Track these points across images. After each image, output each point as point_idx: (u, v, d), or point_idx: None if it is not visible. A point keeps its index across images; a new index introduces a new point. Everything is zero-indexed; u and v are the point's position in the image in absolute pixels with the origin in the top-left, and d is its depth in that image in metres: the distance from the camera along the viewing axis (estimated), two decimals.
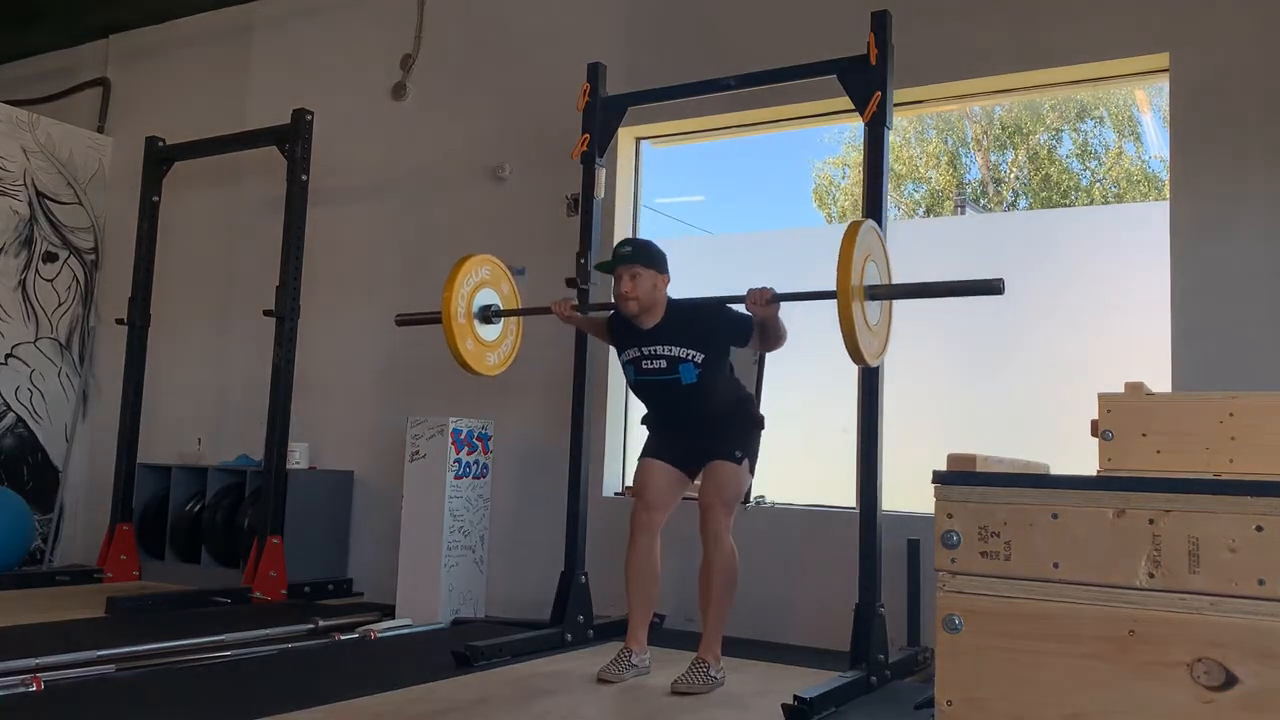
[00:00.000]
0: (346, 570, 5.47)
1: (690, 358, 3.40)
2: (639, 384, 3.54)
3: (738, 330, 3.46)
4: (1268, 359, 3.62)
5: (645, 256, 3.47)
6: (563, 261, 4.54)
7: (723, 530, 3.37)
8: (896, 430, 3.94)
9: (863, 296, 3.13)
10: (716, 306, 3.53)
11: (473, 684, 3.36)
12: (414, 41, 5.72)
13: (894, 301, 3.42)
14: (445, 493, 4.63)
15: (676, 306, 3.52)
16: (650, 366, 3.46)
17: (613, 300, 3.64)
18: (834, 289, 3.05)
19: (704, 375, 3.41)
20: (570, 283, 4.35)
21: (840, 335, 3.06)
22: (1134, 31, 4.00)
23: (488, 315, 4.07)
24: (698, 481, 3.51)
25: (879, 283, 3.27)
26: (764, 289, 3.33)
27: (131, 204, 6.11)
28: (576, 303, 3.87)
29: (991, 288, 3.16)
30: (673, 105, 4.53)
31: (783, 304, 3.37)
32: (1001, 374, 4.35)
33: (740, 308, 3.42)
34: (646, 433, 3.65)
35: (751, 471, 3.53)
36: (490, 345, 4.10)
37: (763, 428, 3.59)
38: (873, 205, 3.75)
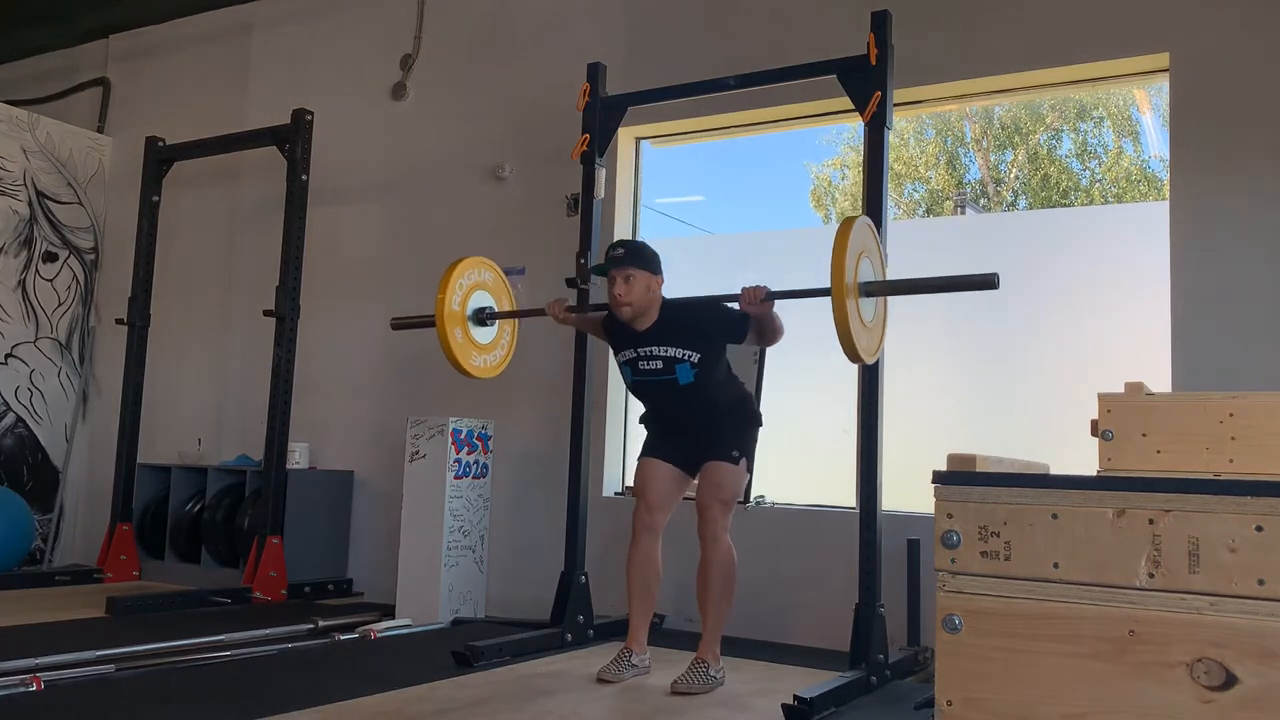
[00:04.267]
0: (346, 570, 5.47)
1: (686, 358, 3.40)
2: (636, 384, 3.54)
3: (733, 328, 3.46)
4: (1268, 359, 3.62)
5: (638, 258, 3.45)
6: (563, 261, 4.54)
7: (721, 530, 3.37)
8: (896, 430, 3.95)
9: (857, 293, 3.13)
10: (711, 305, 3.53)
11: (473, 684, 3.36)
12: (414, 41, 5.72)
13: (890, 299, 3.42)
14: (445, 493, 4.64)
15: (671, 306, 3.51)
16: (647, 367, 3.46)
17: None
18: (828, 286, 3.05)
19: (701, 374, 3.41)
20: (570, 283, 4.35)
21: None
22: (1134, 31, 4.00)
23: (482, 317, 4.07)
24: (696, 482, 3.51)
25: (873, 279, 3.26)
26: (758, 287, 3.33)
27: (131, 204, 6.11)
28: (572, 304, 3.86)
29: (986, 282, 3.16)
30: (672, 105, 4.53)
31: (781, 301, 3.38)
32: (1001, 374, 4.35)
33: (735, 306, 3.42)
34: (645, 432, 3.65)
35: (749, 470, 3.53)
36: (485, 348, 4.09)
37: (760, 425, 3.59)
38: (872, 205, 3.75)
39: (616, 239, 3.45)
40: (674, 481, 3.53)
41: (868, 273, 3.22)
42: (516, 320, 4.26)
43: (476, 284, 4.08)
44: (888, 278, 3.39)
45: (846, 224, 3.15)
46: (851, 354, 3.12)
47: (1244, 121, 3.78)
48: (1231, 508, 1.38)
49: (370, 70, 5.81)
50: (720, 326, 3.46)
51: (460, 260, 4.04)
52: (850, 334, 3.05)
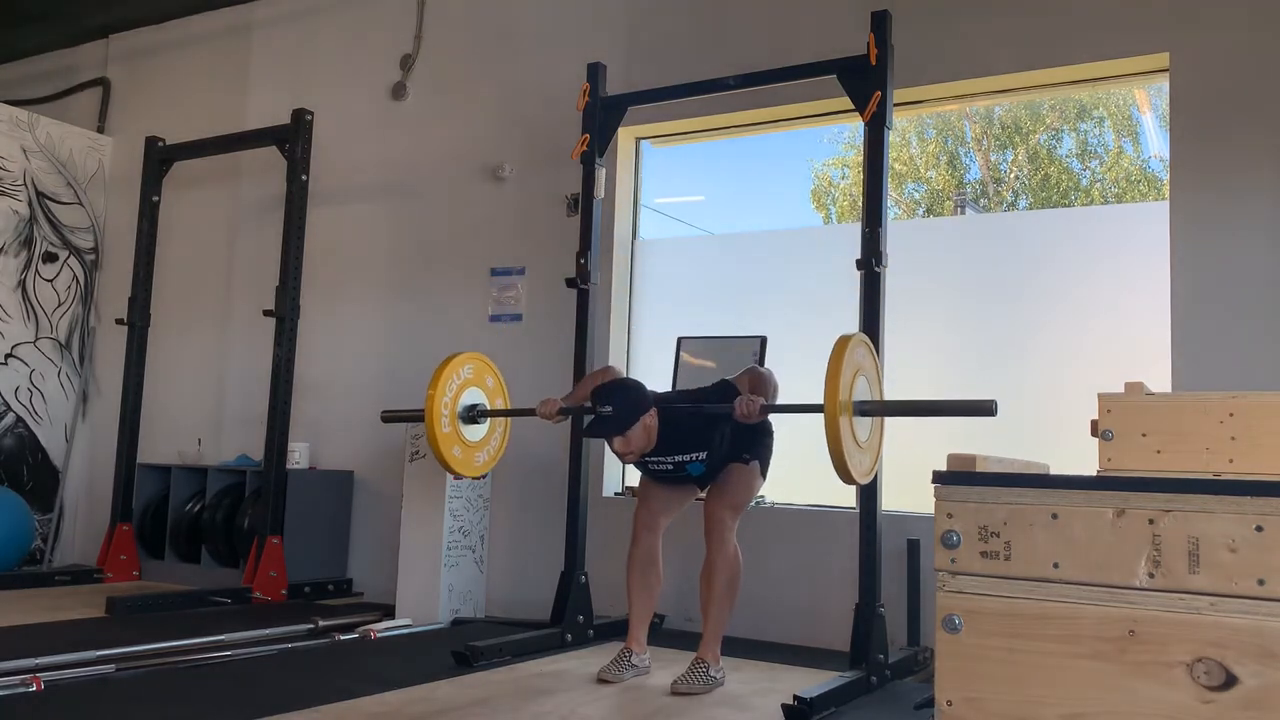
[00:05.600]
0: (346, 570, 5.47)
1: (695, 458, 3.42)
2: (650, 475, 3.56)
3: (728, 419, 3.35)
4: (1268, 359, 3.62)
5: (627, 412, 3.30)
6: (563, 261, 4.54)
7: (728, 532, 3.37)
8: (897, 430, 3.94)
9: (851, 413, 3.01)
10: (704, 414, 3.41)
11: (473, 684, 3.36)
12: (414, 41, 5.72)
13: (885, 416, 3.32)
14: (445, 493, 4.63)
15: (668, 420, 3.39)
16: (659, 469, 3.49)
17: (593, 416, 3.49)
18: (820, 403, 2.93)
19: (710, 464, 3.43)
20: (570, 283, 4.35)
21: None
22: (1134, 31, 4.00)
23: (473, 415, 3.99)
24: (703, 495, 3.51)
25: (869, 399, 3.14)
26: (752, 400, 3.23)
27: (131, 204, 6.11)
28: (561, 404, 3.73)
29: (983, 408, 3.02)
30: (673, 105, 4.53)
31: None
32: (1001, 374, 4.34)
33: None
34: None
35: (763, 475, 3.52)
36: (476, 445, 4.03)
37: (772, 435, 3.58)
38: (872, 205, 3.75)
39: (601, 389, 3.33)
40: (678, 490, 3.54)
41: (863, 391, 3.11)
42: (508, 419, 4.17)
43: (466, 382, 4.00)
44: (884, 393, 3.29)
45: (843, 343, 3.03)
46: (845, 477, 2.99)
47: (1244, 121, 3.78)
48: (1231, 508, 1.38)
49: (370, 70, 5.81)
50: (720, 416, 3.37)
51: (451, 358, 3.96)
52: (844, 456, 2.94)
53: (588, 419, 3.43)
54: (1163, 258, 3.86)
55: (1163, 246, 3.86)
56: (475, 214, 5.37)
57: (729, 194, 5.46)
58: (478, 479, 4.62)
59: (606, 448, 4.80)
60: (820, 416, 2.91)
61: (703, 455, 3.40)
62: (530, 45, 5.35)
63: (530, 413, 3.77)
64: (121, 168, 6.62)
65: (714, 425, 3.39)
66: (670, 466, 3.45)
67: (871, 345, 3.30)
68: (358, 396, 5.60)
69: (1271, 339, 3.64)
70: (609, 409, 3.32)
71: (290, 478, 5.28)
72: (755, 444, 3.49)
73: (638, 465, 3.53)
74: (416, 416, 3.98)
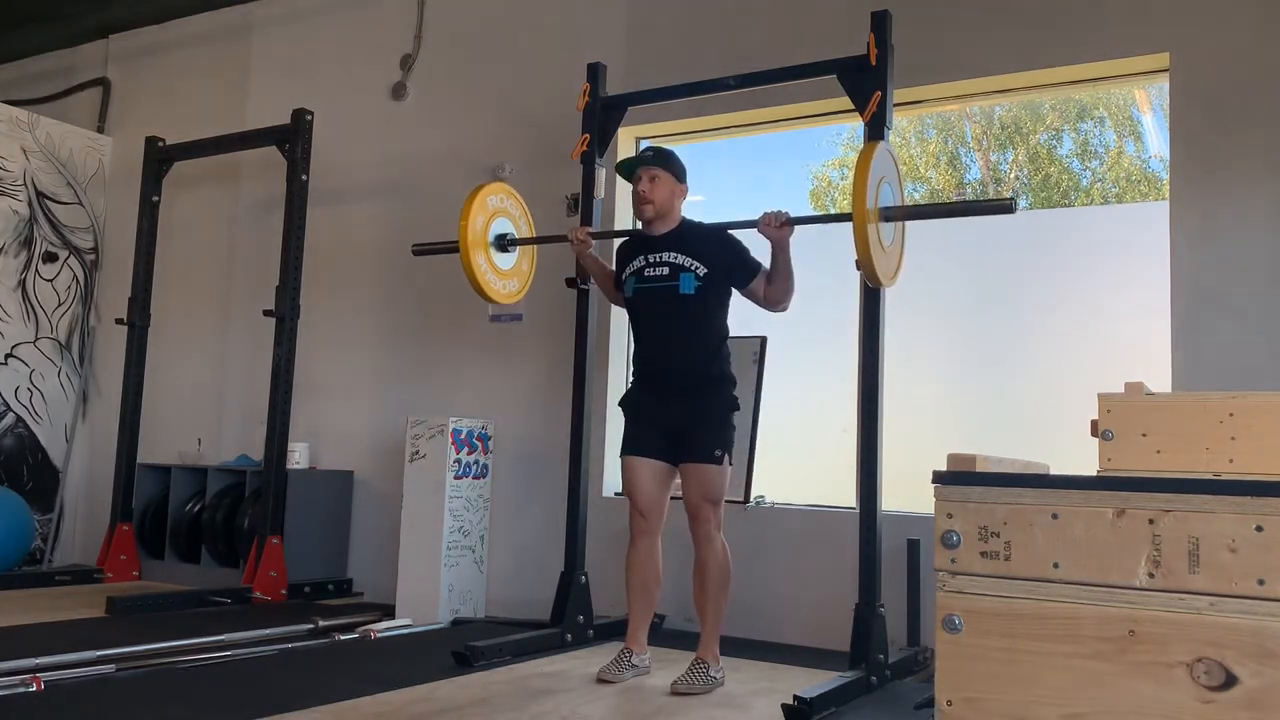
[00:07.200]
0: (346, 570, 5.47)
1: (693, 268, 3.43)
2: (637, 294, 3.52)
3: (745, 266, 3.49)
4: (1268, 359, 3.62)
5: (666, 162, 3.52)
6: (563, 261, 4.53)
7: (714, 530, 3.37)
8: (896, 430, 3.94)
9: (878, 219, 3.27)
10: (732, 237, 3.56)
11: (473, 684, 3.36)
12: (414, 41, 5.72)
13: (907, 229, 3.59)
14: (445, 493, 4.63)
15: (691, 223, 3.58)
16: (652, 274, 3.47)
17: (631, 207, 3.70)
18: (849, 212, 3.20)
19: (702, 291, 3.41)
20: (570, 283, 4.35)
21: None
22: (1134, 31, 4.00)
23: (503, 244, 4.17)
24: (680, 479, 3.49)
25: (893, 204, 3.42)
26: (778, 211, 3.39)
27: (131, 204, 6.11)
28: (592, 230, 3.92)
29: (1003, 207, 3.34)
30: (673, 105, 4.53)
31: (787, 296, 3.41)
32: (1002, 373, 4.35)
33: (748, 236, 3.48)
34: (623, 420, 3.60)
35: (732, 462, 3.50)
36: (506, 274, 4.20)
37: (738, 409, 3.53)
38: None
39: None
40: (660, 479, 3.48)
41: (888, 198, 3.37)
42: (535, 248, 4.39)
43: (498, 210, 4.18)
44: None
45: (868, 149, 3.30)
46: (872, 278, 3.31)
47: (1244, 121, 3.78)
48: (1231, 508, 1.38)
49: (370, 70, 5.81)
50: (735, 257, 3.49)
51: (483, 186, 4.15)
52: (872, 260, 3.22)
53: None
54: (1163, 258, 3.86)
55: (1163, 246, 3.86)
56: None
57: (729, 194, 5.46)
58: (512, 315, 4.69)
59: (606, 447, 4.82)
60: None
61: (701, 272, 3.42)
62: (530, 45, 5.35)
63: (562, 239, 3.98)
64: (121, 168, 6.62)
65: (725, 260, 3.47)
66: (666, 271, 3.43)
67: (893, 150, 3.59)
68: (358, 396, 5.60)
69: (1271, 339, 3.64)
70: (650, 153, 3.57)
71: (290, 478, 5.28)
72: (722, 431, 3.42)
73: (631, 279, 3.52)
74: (451, 248, 4.11)
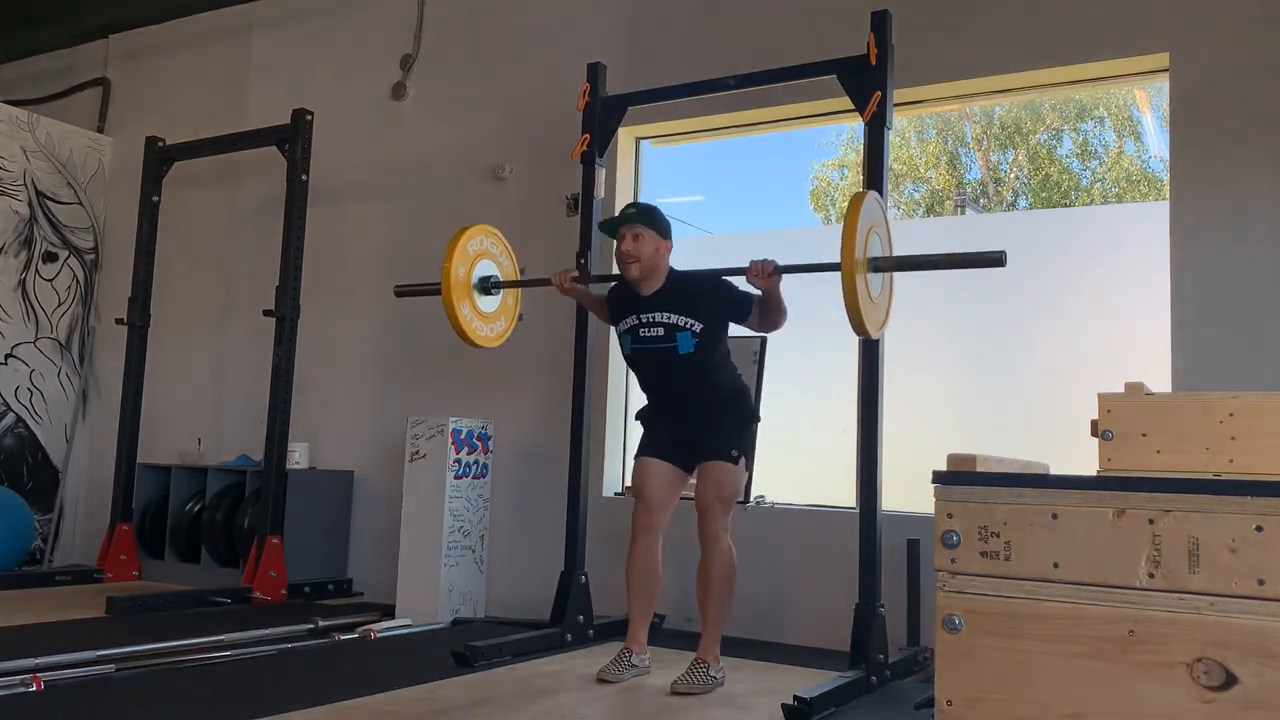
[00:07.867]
0: (346, 570, 5.46)
1: (688, 326, 3.38)
2: (635, 353, 3.51)
3: (737, 305, 3.45)
4: (1267, 359, 3.62)
5: (649, 218, 3.47)
6: (563, 262, 4.53)
7: (721, 530, 3.37)
8: (896, 430, 3.94)
9: (866, 269, 3.18)
10: (718, 280, 3.52)
11: (473, 684, 3.36)
12: (414, 41, 5.72)
13: (896, 277, 3.47)
14: (445, 493, 4.63)
15: (678, 276, 3.52)
16: (647, 334, 3.44)
17: (615, 262, 3.63)
18: (837, 261, 3.09)
19: (701, 346, 3.39)
20: None
21: (843, 314, 3.12)
22: (1134, 31, 4.00)
23: (487, 286, 4.09)
24: (694, 480, 3.50)
25: (882, 254, 3.31)
26: (766, 261, 3.33)
27: (131, 204, 6.11)
28: (577, 273, 3.84)
29: (993, 260, 3.21)
30: (673, 105, 4.53)
31: (786, 302, 3.39)
32: (1001, 374, 4.35)
33: (741, 281, 3.42)
34: (642, 429, 3.63)
35: (748, 469, 3.52)
36: (489, 317, 4.11)
37: (758, 421, 3.58)
38: None
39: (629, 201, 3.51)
40: (672, 480, 3.51)
41: (876, 248, 3.27)
42: (520, 290, 4.30)
43: (482, 252, 4.10)
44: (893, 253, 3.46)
45: (857, 199, 3.20)
46: (859, 329, 3.19)
47: (1244, 121, 3.78)
48: (1231, 508, 1.38)
49: (370, 70, 5.81)
50: (725, 301, 3.46)
51: (467, 227, 4.08)
52: (859, 309, 3.12)
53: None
54: (1163, 258, 3.86)
55: (1163, 246, 3.86)
56: (475, 214, 5.34)
57: (729, 194, 5.47)
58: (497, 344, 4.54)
59: (606, 448, 4.82)
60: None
61: (697, 328, 3.38)
62: (530, 45, 5.35)
63: (546, 282, 3.88)
64: (121, 168, 6.62)
65: (717, 308, 3.42)
66: (661, 332, 3.40)
67: (881, 200, 3.47)
68: (358, 396, 5.60)
69: (1271, 339, 3.64)
70: (633, 210, 3.52)
71: (290, 478, 5.28)
72: (740, 433, 3.45)
73: (626, 337, 3.50)
74: (433, 290, 4.02)
